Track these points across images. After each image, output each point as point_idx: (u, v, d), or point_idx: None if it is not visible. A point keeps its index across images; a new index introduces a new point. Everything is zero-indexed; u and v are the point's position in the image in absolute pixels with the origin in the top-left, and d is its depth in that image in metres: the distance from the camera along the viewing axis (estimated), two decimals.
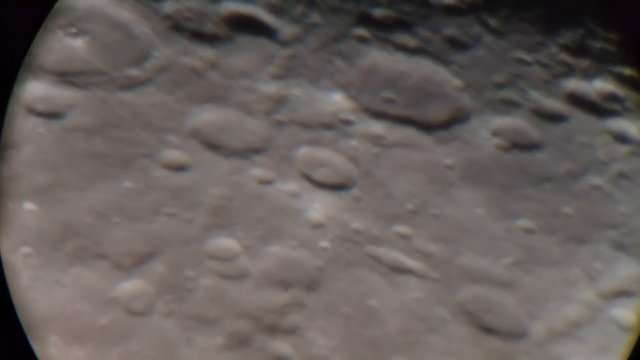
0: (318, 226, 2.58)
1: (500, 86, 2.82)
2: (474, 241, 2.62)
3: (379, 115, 2.75)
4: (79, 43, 2.69)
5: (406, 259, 2.56)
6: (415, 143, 2.73)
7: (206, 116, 2.67)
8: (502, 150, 2.76)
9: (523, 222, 2.66)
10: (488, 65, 2.85)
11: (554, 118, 2.82)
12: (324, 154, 2.68)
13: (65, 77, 2.65)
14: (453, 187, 2.69)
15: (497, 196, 2.69)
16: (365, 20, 2.85)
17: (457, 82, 2.81)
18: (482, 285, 2.56)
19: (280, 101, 2.72)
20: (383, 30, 2.84)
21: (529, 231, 2.65)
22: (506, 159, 2.75)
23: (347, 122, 2.73)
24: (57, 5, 2.66)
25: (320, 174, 2.65)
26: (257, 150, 2.65)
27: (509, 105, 2.81)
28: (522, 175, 2.74)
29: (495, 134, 2.77)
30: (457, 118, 2.77)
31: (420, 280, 2.54)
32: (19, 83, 2.60)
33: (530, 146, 2.77)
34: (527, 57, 2.87)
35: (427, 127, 2.76)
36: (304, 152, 2.67)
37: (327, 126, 2.71)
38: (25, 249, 2.43)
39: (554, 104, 2.82)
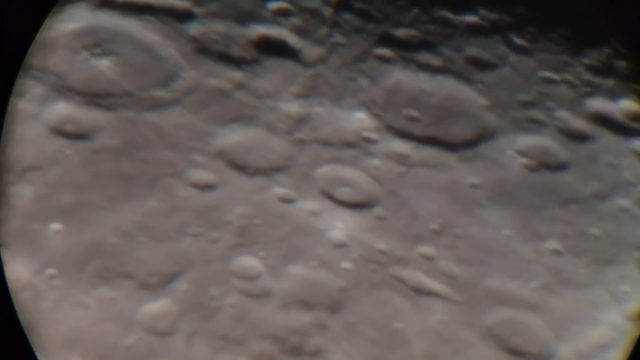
0: (340, 246, 2.57)
1: (526, 105, 2.80)
2: (502, 263, 2.59)
3: (402, 134, 2.73)
4: (105, 64, 2.71)
5: (431, 281, 2.54)
6: (439, 162, 2.71)
7: (231, 136, 2.67)
8: (529, 170, 2.73)
9: (551, 244, 2.64)
10: (514, 84, 2.83)
11: (580, 138, 2.79)
12: (346, 172, 2.67)
13: (92, 98, 2.67)
14: (478, 207, 2.67)
15: (524, 217, 2.67)
16: (388, 40, 2.84)
17: (482, 100, 2.80)
18: (509, 307, 2.54)
19: (302, 120, 2.71)
20: (406, 49, 2.84)
21: (557, 253, 2.62)
22: (533, 178, 2.72)
23: (370, 141, 2.72)
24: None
25: (343, 193, 2.64)
26: (279, 169, 2.65)
27: (536, 124, 2.79)
28: (549, 196, 2.71)
29: (522, 153, 2.75)
30: (482, 137, 2.76)
31: (445, 302, 2.52)
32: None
33: (557, 166, 2.75)
34: (553, 76, 2.85)
35: (451, 146, 2.74)
36: (325, 170, 2.66)
37: (350, 145, 2.70)
38: (50, 270, 2.44)
39: (580, 124, 2.80)
